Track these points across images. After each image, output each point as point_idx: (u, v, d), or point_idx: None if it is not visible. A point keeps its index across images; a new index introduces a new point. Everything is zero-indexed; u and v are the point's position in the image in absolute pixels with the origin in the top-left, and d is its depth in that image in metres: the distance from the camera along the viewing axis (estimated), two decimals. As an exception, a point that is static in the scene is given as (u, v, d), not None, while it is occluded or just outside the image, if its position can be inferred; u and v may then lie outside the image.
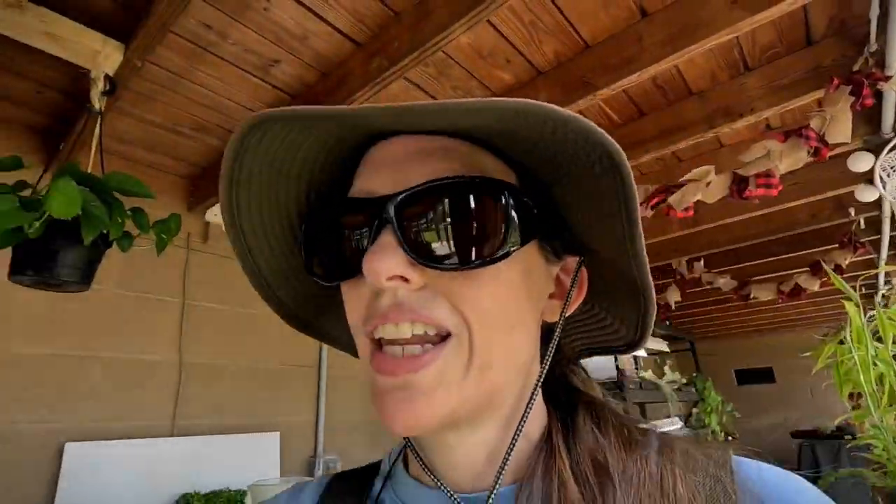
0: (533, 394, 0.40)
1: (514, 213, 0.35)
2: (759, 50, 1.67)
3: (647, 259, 0.36)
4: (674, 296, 3.72)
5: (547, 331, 0.43)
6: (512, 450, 0.38)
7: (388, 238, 0.34)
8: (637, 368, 4.71)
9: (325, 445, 2.44)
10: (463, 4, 1.24)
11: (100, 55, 1.25)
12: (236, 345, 2.32)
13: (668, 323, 5.53)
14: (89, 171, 1.11)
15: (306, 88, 1.73)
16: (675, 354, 6.93)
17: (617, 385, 4.18)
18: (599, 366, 5.63)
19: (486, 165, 0.37)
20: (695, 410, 5.48)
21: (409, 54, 1.37)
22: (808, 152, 1.55)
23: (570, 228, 0.41)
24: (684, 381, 5.33)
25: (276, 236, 0.43)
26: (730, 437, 5.52)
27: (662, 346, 6.05)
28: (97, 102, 1.23)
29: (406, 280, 0.34)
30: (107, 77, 1.25)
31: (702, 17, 1.37)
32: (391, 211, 0.35)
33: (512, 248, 0.35)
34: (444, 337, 0.35)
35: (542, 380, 0.40)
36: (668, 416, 4.85)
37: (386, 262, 0.33)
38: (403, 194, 0.35)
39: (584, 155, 0.33)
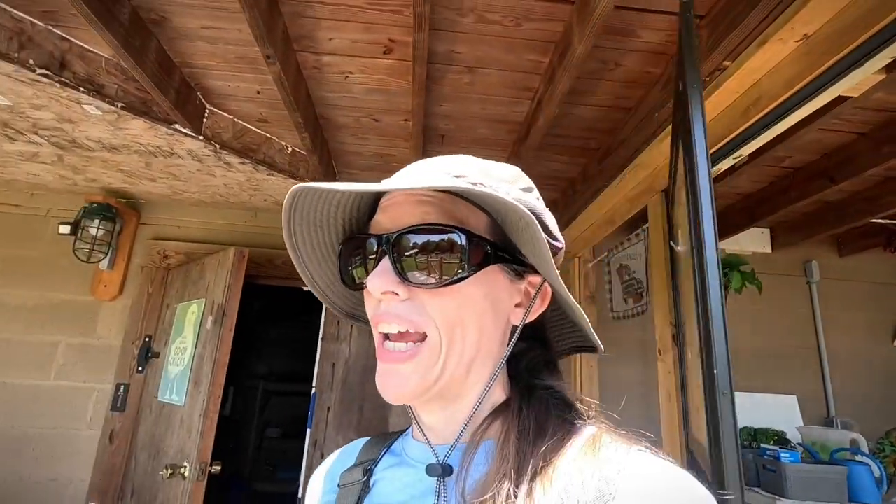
0: (493, 377, 0.51)
1: (468, 250, 0.47)
2: None
3: (562, 283, 0.50)
4: None
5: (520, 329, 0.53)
6: (471, 418, 0.50)
7: (386, 263, 0.48)
8: None
9: (837, 410, 3.12)
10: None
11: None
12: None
13: None
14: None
15: (810, 165, 2.50)
16: None
17: None
18: None
19: (460, 213, 0.49)
20: None
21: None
22: None
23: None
24: None
25: (323, 258, 0.58)
26: None
27: None
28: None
29: (396, 294, 0.48)
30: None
31: None
32: (389, 244, 0.48)
33: (466, 275, 0.47)
34: (423, 336, 0.48)
35: (502, 366, 0.52)
36: None
37: (381, 281, 0.47)
38: (396, 233, 0.48)
39: (517, 218, 0.47)
